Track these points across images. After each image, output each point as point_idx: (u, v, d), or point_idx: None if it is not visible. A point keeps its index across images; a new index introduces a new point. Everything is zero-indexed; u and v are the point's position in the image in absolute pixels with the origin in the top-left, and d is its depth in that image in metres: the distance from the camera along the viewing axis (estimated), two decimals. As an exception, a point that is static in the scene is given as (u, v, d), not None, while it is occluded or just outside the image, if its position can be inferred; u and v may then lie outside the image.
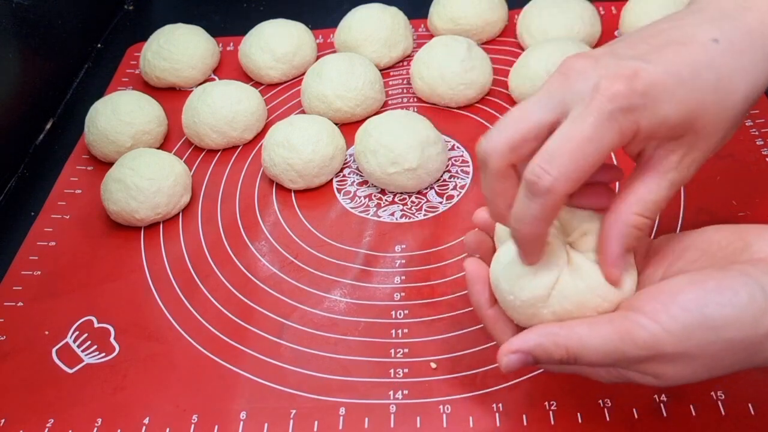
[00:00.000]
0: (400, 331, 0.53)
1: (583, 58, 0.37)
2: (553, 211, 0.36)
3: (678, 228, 0.56)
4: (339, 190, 0.65)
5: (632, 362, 0.35)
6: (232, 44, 0.83)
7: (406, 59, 0.77)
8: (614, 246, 0.37)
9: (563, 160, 0.35)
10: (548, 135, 0.36)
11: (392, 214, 0.62)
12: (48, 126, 0.78)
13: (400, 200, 0.63)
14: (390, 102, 0.73)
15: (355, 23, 0.76)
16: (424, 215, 0.61)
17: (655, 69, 0.35)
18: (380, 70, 0.73)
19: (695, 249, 0.39)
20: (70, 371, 0.54)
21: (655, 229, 0.56)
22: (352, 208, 0.63)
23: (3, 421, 0.51)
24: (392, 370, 0.51)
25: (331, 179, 0.66)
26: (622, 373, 0.37)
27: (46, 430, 0.50)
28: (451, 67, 0.69)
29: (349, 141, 0.67)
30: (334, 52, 0.78)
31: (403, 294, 0.55)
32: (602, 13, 0.77)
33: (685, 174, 0.38)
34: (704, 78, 0.36)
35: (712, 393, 0.45)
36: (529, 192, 0.36)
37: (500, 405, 0.47)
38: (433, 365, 0.50)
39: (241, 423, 0.49)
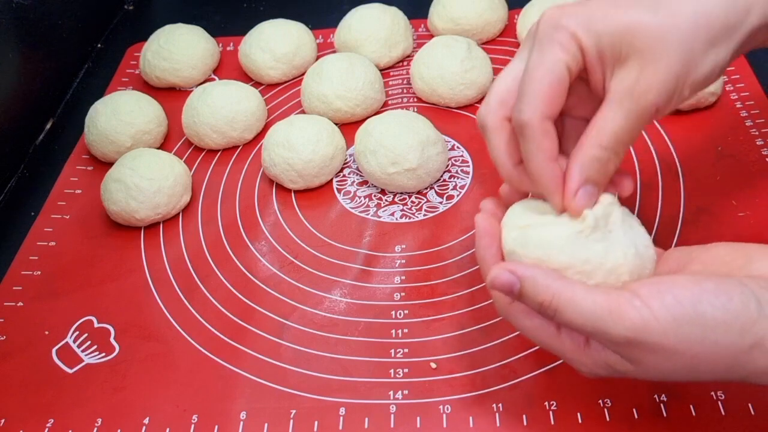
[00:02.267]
0: (400, 331, 0.53)
1: (554, 8, 0.38)
2: (544, 142, 0.38)
3: (678, 228, 0.56)
4: (339, 190, 0.65)
5: (615, 342, 0.35)
6: (232, 44, 0.83)
7: (406, 59, 0.77)
8: (575, 175, 0.38)
9: (530, 93, 0.37)
10: None
11: (392, 214, 0.62)
12: (48, 126, 0.78)
13: (400, 200, 0.63)
14: (390, 102, 0.73)
15: (355, 23, 0.76)
16: (424, 215, 0.61)
17: None
18: (380, 70, 0.73)
19: (699, 262, 0.39)
20: (70, 371, 0.54)
21: (655, 229, 0.56)
22: (352, 208, 0.63)
23: (3, 421, 0.51)
24: (392, 370, 0.51)
25: (331, 179, 0.66)
26: (601, 355, 0.37)
27: (46, 430, 0.50)
28: (451, 67, 0.69)
29: (349, 141, 0.67)
30: (334, 52, 0.78)
31: (403, 294, 0.55)
32: (602, 13, 0.77)
33: (642, 102, 0.36)
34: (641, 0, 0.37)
35: (712, 393, 0.45)
36: (519, 135, 0.38)
37: (500, 405, 0.47)
38: (433, 365, 0.50)
39: (241, 423, 0.49)
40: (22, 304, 0.59)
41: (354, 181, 0.65)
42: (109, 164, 0.66)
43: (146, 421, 0.50)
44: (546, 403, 0.47)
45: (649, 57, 0.36)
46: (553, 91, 0.37)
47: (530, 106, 0.37)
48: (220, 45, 0.82)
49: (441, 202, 0.62)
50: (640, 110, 0.37)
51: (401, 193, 0.63)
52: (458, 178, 0.64)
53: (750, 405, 0.45)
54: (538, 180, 0.39)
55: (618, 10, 0.36)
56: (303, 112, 0.72)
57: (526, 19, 0.74)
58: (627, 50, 0.36)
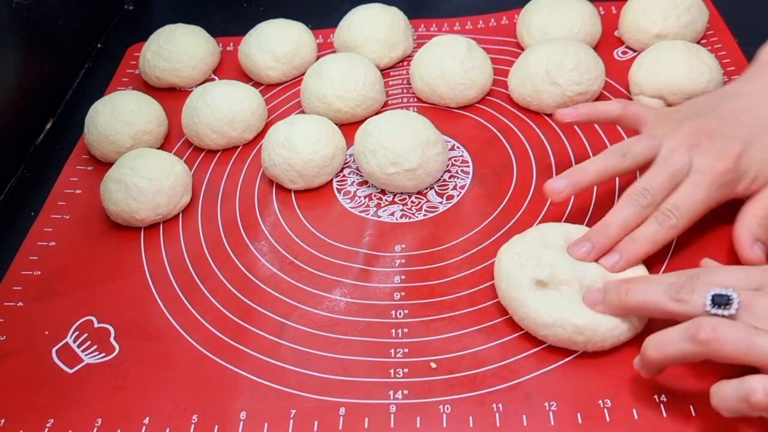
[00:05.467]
0: (400, 330, 0.53)
1: (702, 133, 0.52)
2: (669, 240, 0.51)
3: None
4: (339, 190, 0.65)
5: None
6: (232, 44, 0.83)
7: (406, 59, 0.77)
8: (744, 236, 0.49)
9: (685, 210, 0.50)
10: None
11: (392, 214, 0.62)
12: (48, 126, 0.78)
13: (400, 200, 0.63)
14: (390, 102, 0.73)
15: (355, 23, 0.76)
16: (424, 215, 0.61)
17: (753, 151, 0.50)
18: (380, 71, 0.73)
19: None
20: (70, 371, 0.54)
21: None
22: (352, 208, 0.63)
23: (3, 421, 0.51)
24: (392, 370, 0.51)
25: (331, 179, 0.66)
26: None
27: (46, 430, 0.50)
28: (451, 67, 0.69)
29: (349, 141, 0.67)
30: (334, 52, 0.78)
31: (403, 294, 0.55)
32: (602, 13, 0.77)
33: None
34: None
35: (712, 393, 0.45)
36: (657, 222, 0.50)
37: (500, 405, 0.47)
38: (433, 365, 0.50)
39: (241, 423, 0.49)
40: (22, 304, 0.59)
41: (354, 181, 0.65)
42: (109, 164, 0.66)
43: (146, 421, 0.50)
44: (546, 403, 0.47)
45: None
46: (699, 217, 0.51)
47: (681, 221, 0.50)
48: (220, 45, 0.82)
49: (441, 202, 0.62)
50: None
51: (401, 193, 0.63)
52: (458, 178, 0.64)
53: (750, 405, 0.45)
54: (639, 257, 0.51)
55: None
56: (303, 112, 0.72)
57: (526, 19, 0.74)
58: None
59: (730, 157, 0.50)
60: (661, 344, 0.43)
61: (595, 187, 0.59)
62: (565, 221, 0.57)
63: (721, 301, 0.41)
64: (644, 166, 0.53)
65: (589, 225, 0.53)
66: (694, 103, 0.57)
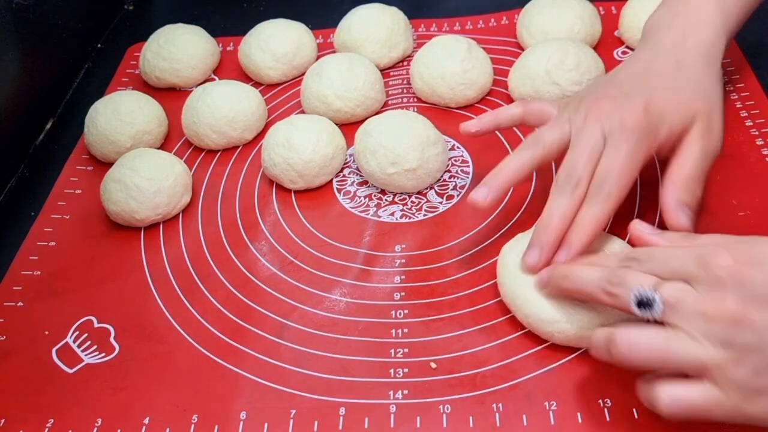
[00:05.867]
0: (400, 330, 0.53)
1: (603, 100, 0.52)
2: (610, 214, 0.49)
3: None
4: (339, 190, 0.65)
5: None
6: (232, 44, 0.83)
7: (406, 59, 0.77)
8: (669, 200, 0.48)
9: (614, 176, 0.49)
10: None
11: (392, 214, 0.62)
12: (48, 126, 0.78)
13: (400, 200, 0.63)
14: (390, 102, 0.73)
15: (355, 23, 0.75)
16: (424, 215, 0.61)
17: (656, 101, 0.50)
18: (380, 71, 0.73)
19: None
20: (70, 371, 0.54)
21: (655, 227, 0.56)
22: (352, 208, 0.63)
23: (3, 421, 0.51)
24: (392, 370, 0.51)
25: (331, 179, 0.66)
26: None
27: (46, 430, 0.50)
28: (451, 67, 0.69)
29: (349, 141, 0.67)
30: (334, 52, 0.78)
31: (403, 294, 0.55)
32: (602, 13, 0.77)
33: (707, 143, 0.50)
34: (684, 89, 0.51)
35: (712, 393, 0.45)
36: (592, 200, 0.49)
37: (500, 405, 0.47)
38: (433, 365, 0.50)
39: (241, 423, 0.49)
40: (22, 304, 0.59)
41: (354, 181, 0.65)
42: (109, 164, 0.66)
43: (146, 421, 0.50)
44: (546, 403, 0.47)
45: (703, 123, 0.50)
46: (632, 181, 0.50)
47: (613, 191, 0.49)
48: (220, 45, 0.82)
49: (441, 202, 0.62)
50: (710, 148, 0.50)
51: (401, 193, 0.63)
52: (458, 178, 0.64)
53: (750, 405, 0.45)
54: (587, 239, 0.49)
55: (676, 101, 0.51)
56: (303, 112, 0.72)
57: (526, 19, 0.74)
58: (688, 126, 0.50)
59: (636, 109, 0.50)
60: (594, 346, 0.43)
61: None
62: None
63: (644, 303, 0.40)
64: (562, 152, 0.52)
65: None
66: (591, 82, 0.58)
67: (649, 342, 0.40)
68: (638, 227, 0.46)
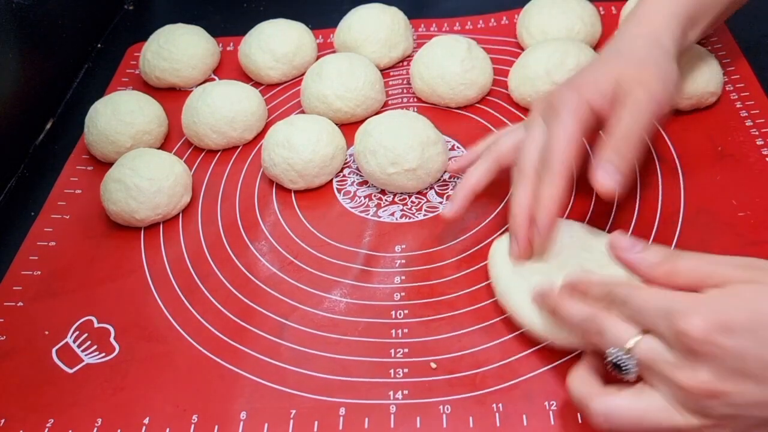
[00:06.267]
0: (400, 331, 0.53)
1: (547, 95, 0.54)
2: (564, 187, 0.49)
3: (678, 228, 0.56)
4: (339, 190, 0.65)
5: None
6: (232, 44, 0.83)
7: (406, 59, 0.77)
8: (595, 163, 0.48)
9: (555, 152, 0.50)
10: None
11: (392, 214, 0.62)
12: (48, 126, 0.78)
13: (400, 200, 0.63)
14: (390, 102, 0.73)
15: (355, 23, 0.75)
16: (424, 215, 0.61)
17: (584, 76, 0.53)
18: (380, 71, 0.73)
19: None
20: (70, 371, 0.54)
21: (655, 229, 0.56)
22: (352, 208, 0.63)
23: (3, 421, 0.51)
24: (392, 370, 0.51)
25: (331, 179, 0.66)
26: None
27: (46, 430, 0.50)
28: (451, 67, 0.69)
29: (349, 141, 0.67)
30: (334, 52, 0.78)
31: (403, 294, 0.55)
32: (602, 13, 0.77)
33: (639, 105, 0.50)
34: (614, 62, 0.53)
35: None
36: (545, 177, 0.50)
37: (500, 405, 0.47)
38: (433, 365, 0.50)
39: (241, 423, 0.49)
40: (22, 304, 0.59)
41: (354, 181, 0.65)
42: (109, 164, 0.66)
43: (146, 421, 0.50)
44: (546, 403, 0.47)
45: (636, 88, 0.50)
46: (580, 147, 0.50)
47: (563, 163, 0.49)
48: (220, 45, 0.82)
49: (441, 202, 0.62)
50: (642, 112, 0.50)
51: (401, 193, 0.63)
52: (458, 178, 0.64)
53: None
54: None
55: (612, 72, 0.52)
56: (303, 112, 0.72)
57: (526, 19, 0.74)
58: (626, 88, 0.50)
59: (562, 88, 0.53)
60: (572, 396, 0.42)
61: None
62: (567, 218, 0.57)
63: (619, 366, 0.40)
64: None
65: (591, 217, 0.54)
66: None
67: (627, 412, 0.39)
68: (616, 243, 0.43)
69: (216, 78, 0.79)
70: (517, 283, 0.50)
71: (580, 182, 0.61)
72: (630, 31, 0.55)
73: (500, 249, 0.53)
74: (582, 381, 0.42)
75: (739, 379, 0.36)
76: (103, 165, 0.69)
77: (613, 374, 0.41)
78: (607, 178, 0.47)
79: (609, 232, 0.53)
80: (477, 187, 0.56)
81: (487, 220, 0.60)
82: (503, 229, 0.58)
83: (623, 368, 0.40)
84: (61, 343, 0.55)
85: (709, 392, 0.36)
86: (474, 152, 0.60)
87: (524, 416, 0.47)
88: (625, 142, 0.48)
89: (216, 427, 0.49)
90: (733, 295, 0.37)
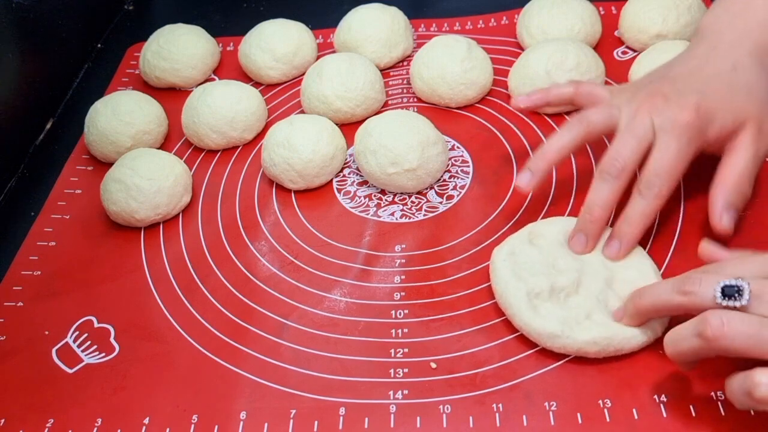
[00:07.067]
0: (400, 330, 0.53)
1: (656, 95, 0.52)
2: (659, 209, 0.51)
3: (678, 228, 0.56)
4: (339, 190, 0.65)
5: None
6: (232, 44, 0.83)
7: (406, 59, 0.77)
8: (717, 204, 0.50)
9: (665, 174, 0.50)
10: None
11: (392, 214, 0.62)
12: (48, 126, 0.78)
13: (400, 200, 0.63)
14: (390, 102, 0.73)
15: (355, 23, 0.75)
16: (424, 215, 0.61)
17: (709, 101, 0.51)
18: (380, 71, 0.73)
19: None
20: (70, 371, 0.54)
21: (655, 229, 0.56)
22: (352, 208, 0.63)
23: (3, 421, 0.51)
24: (392, 370, 0.51)
25: (331, 179, 0.66)
26: None
27: (46, 430, 0.50)
28: (451, 67, 0.69)
29: (349, 141, 0.67)
30: (334, 52, 0.78)
31: (403, 294, 0.55)
32: (602, 13, 0.77)
33: (757, 146, 0.51)
34: (738, 92, 0.52)
35: (712, 393, 0.45)
36: (642, 196, 0.50)
37: (500, 405, 0.47)
38: (433, 365, 0.50)
39: (241, 423, 0.49)
40: (22, 304, 0.59)
41: (354, 181, 0.65)
42: (109, 164, 0.66)
43: (146, 421, 0.50)
44: (546, 403, 0.47)
45: (751, 126, 0.51)
46: (681, 176, 0.51)
47: (665, 186, 0.51)
48: (220, 45, 0.82)
49: (441, 202, 0.62)
50: (758, 153, 0.51)
51: (401, 193, 0.63)
52: (458, 178, 0.64)
53: (750, 405, 0.45)
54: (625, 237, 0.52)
55: (728, 104, 0.51)
56: (303, 112, 0.72)
57: (526, 19, 0.74)
58: (738, 127, 0.51)
59: (689, 108, 0.50)
60: (675, 341, 0.42)
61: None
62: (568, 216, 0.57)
63: (731, 292, 0.40)
64: (607, 136, 0.54)
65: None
66: (646, 75, 0.58)
67: (746, 324, 0.39)
68: (709, 246, 0.47)
69: (216, 78, 0.79)
70: (517, 287, 0.50)
71: (580, 180, 0.61)
72: (742, 44, 0.54)
73: (502, 254, 0.53)
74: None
75: None
76: (103, 165, 0.69)
77: (718, 305, 0.41)
78: (730, 222, 0.50)
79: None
80: (559, 159, 0.54)
81: (488, 221, 0.60)
82: (504, 229, 0.58)
83: (738, 291, 0.40)
84: (61, 343, 0.55)
85: None
86: (546, 97, 0.61)
87: (524, 416, 0.47)
88: (747, 183, 0.50)
89: (216, 427, 0.49)
90: None
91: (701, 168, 0.60)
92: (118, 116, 0.69)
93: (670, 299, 0.44)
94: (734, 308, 0.40)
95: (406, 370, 0.50)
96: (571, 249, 0.52)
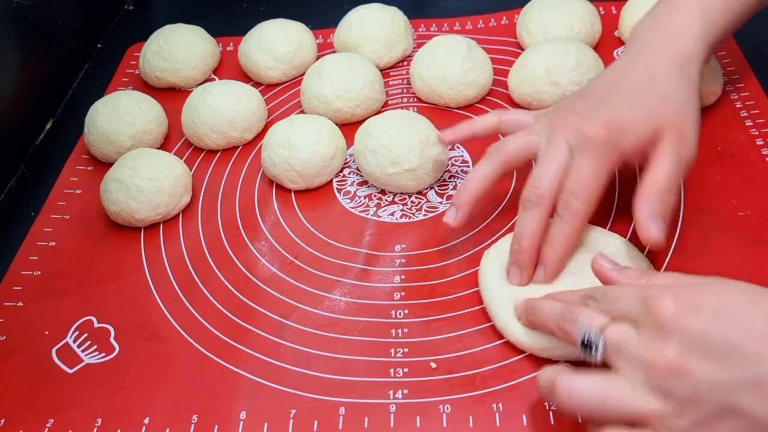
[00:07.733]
0: (400, 330, 0.53)
1: (570, 115, 0.52)
2: (581, 229, 0.51)
3: (678, 228, 0.56)
4: (339, 190, 0.65)
5: None
6: (232, 44, 0.83)
7: (406, 59, 0.77)
8: (641, 216, 0.48)
9: (581, 193, 0.50)
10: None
11: (392, 214, 0.62)
12: (48, 126, 0.78)
13: (400, 200, 0.63)
14: (390, 102, 0.73)
15: (355, 23, 0.76)
16: (424, 215, 0.61)
17: (622, 113, 0.50)
18: (380, 71, 0.73)
19: None
20: (70, 371, 0.54)
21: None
22: (352, 208, 0.63)
23: (3, 421, 0.51)
24: (392, 370, 0.51)
25: (331, 179, 0.66)
26: None
27: (46, 430, 0.50)
28: (451, 67, 0.69)
29: (349, 141, 0.67)
30: (334, 52, 0.78)
31: (403, 293, 0.55)
32: (602, 13, 0.77)
33: (678, 153, 0.49)
34: (653, 100, 0.50)
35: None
36: (561, 217, 0.50)
37: (500, 405, 0.47)
38: (433, 365, 0.50)
39: (241, 423, 0.49)
40: (22, 304, 0.59)
41: (354, 181, 0.65)
42: (109, 164, 0.66)
43: (146, 421, 0.50)
44: (546, 403, 0.47)
45: (670, 134, 0.50)
46: (601, 192, 0.51)
47: (583, 204, 0.50)
48: (220, 45, 0.82)
49: (441, 202, 0.62)
50: (683, 159, 0.50)
51: (401, 193, 0.63)
52: (458, 178, 0.64)
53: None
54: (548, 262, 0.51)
55: (643, 116, 0.50)
56: (303, 112, 0.72)
57: (526, 19, 0.74)
58: (656, 137, 0.50)
59: (598, 124, 0.50)
60: (542, 387, 0.42)
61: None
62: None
63: (588, 344, 0.41)
64: (527, 162, 0.54)
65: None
66: (569, 96, 0.58)
67: (589, 390, 0.40)
68: (600, 262, 0.46)
69: (216, 78, 0.79)
70: (504, 294, 0.51)
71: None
72: (662, 51, 0.53)
73: (491, 259, 0.53)
74: (552, 368, 0.42)
75: (702, 357, 0.36)
76: (103, 165, 0.69)
77: (582, 357, 0.41)
78: (658, 232, 0.47)
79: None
80: (481, 192, 0.54)
81: (488, 221, 0.60)
82: (503, 230, 0.58)
83: (592, 345, 0.40)
84: (61, 343, 0.55)
85: (673, 368, 0.37)
86: (471, 129, 0.59)
87: (524, 416, 0.47)
88: (669, 191, 0.49)
89: (216, 427, 0.49)
90: (701, 284, 0.39)
91: (701, 168, 0.60)
92: (118, 116, 0.69)
93: (553, 330, 0.45)
94: (594, 359, 0.41)
95: (406, 370, 0.50)
96: (510, 282, 0.52)
